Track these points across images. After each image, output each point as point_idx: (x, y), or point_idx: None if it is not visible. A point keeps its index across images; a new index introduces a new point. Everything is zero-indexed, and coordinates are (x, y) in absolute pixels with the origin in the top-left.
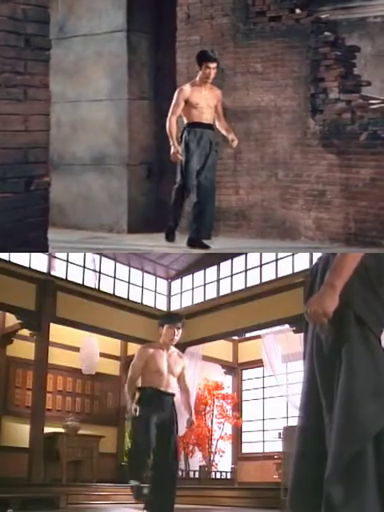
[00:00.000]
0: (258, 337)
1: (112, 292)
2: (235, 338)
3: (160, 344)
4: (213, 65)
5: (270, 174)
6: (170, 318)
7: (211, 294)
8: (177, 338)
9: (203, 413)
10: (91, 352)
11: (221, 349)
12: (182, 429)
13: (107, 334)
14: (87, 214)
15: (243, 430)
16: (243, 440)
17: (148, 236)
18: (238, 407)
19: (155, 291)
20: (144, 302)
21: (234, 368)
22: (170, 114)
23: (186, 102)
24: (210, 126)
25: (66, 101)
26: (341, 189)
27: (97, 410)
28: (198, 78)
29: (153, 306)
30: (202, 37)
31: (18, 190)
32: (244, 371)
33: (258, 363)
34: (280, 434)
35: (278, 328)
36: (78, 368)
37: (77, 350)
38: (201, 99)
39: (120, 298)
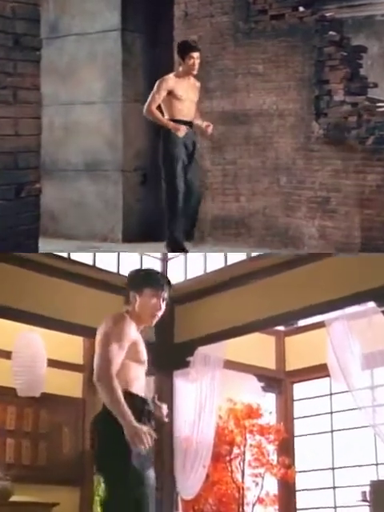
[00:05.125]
0: (320, 325)
1: (68, 256)
2: (279, 328)
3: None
4: (196, 54)
5: (271, 180)
6: (151, 278)
7: (232, 257)
8: (158, 315)
9: (228, 458)
10: (33, 359)
11: (255, 349)
12: None
13: (61, 327)
14: (80, 221)
15: (298, 487)
16: (299, 505)
17: (144, 245)
18: (287, 448)
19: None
20: (121, 272)
21: (278, 380)
22: (148, 104)
23: (169, 93)
24: (191, 124)
25: (58, 103)
26: (346, 196)
27: (44, 458)
28: (181, 69)
29: None
30: (201, 36)
31: (9, 197)
32: (296, 385)
33: (321, 371)
34: (364, 493)
35: (353, 309)
36: (10, 387)
37: (7, 355)
38: (185, 92)
39: (84, 266)
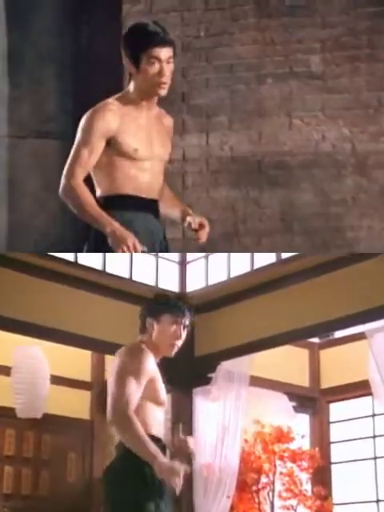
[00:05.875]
0: (361, 337)
1: (74, 259)
2: (314, 340)
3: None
4: (165, 53)
5: None
6: (170, 303)
7: (259, 260)
8: (179, 344)
9: (255, 488)
10: (34, 375)
11: (286, 363)
12: None
13: (66, 339)
14: None
15: None
16: None
17: None
18: (323, 476)
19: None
20: (135, 278)
21: (312, 400)
22: (70, 167)
23: (110, 142)
24: (156, 205)
25: None
26: None
27: (46, 487)
28: (131, 88)
29: (153, 285)
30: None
31: None
32: (333, 405)
33: (361, 389)
34: None
35: None
36: (9, 407)
37: (6, 371)
38: (142, 138)
39: (92, 270)
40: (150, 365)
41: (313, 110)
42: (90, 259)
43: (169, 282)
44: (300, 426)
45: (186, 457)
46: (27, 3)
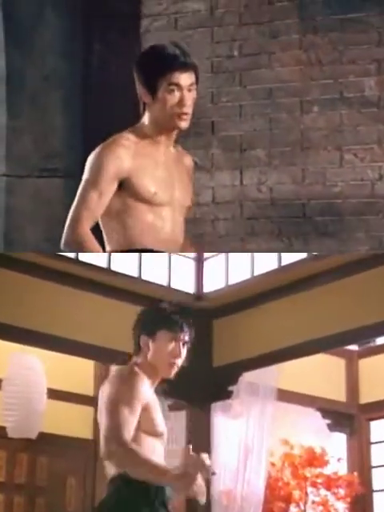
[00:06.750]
0: None
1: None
2: (351, 347)
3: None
4: (185, 79)
5: None
6: (166, 317)
7: (288, 256)
8: (178, 363)
9: None
10: (29, 388)
11: (319, 375)
12: None
13: (65, 347)
14: None
15: None
16: None
17: None
18: (363, 506)
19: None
20: (143, 277)
21: (350, 417)
22: (75, 212)
23: (123, 184)
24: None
25: None
26: None
27: None
28: (146, 121)
29: (165, 285)
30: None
31: None
32: (374, 423)
33: None
34: None
35: None
36: (0, 425)
37: None
38: (161, 179)
39: (96, 269)
40: (144, 390)
41: (368, 143)
42: (93, 256)
43: (183, 282)
44: (335, 447)
45: (204, 477)
46: (29, 17)
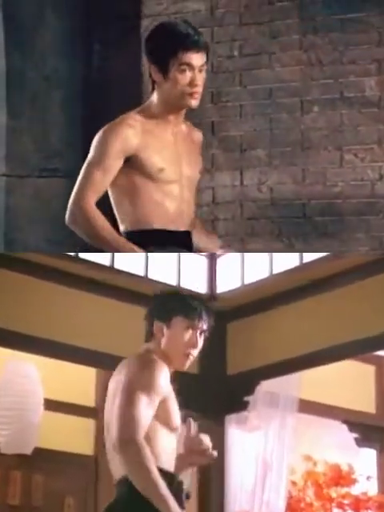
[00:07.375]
0: None
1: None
2: (381, 353)
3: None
4: (198, 59)
5: None
6: (184, 302)
7: (308, 255)
8: (194, 354)
9: None
10: (23, 399)
11: (345, 384)
12: None
13: (65, 354)
14: None
15: None
16: None
17: None
18: None
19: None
20: (150, 276)
21: (380, 430)
22: (79, 190)
23: (129, 160)
24: (189, 238)
25: None
26: None
27: None
28: (155, 100)
29: (174, 284)
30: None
31: None
32: None
33: None
34: None
35: None
36: None
37: None
38: (168, 157)
39: (98, 267)
40: (165, 380)
41: (368, 143)
42: (95, 254)
43: (195, 281)
44: (364, 464)
45: (204, 460)
46: (30, 18)
